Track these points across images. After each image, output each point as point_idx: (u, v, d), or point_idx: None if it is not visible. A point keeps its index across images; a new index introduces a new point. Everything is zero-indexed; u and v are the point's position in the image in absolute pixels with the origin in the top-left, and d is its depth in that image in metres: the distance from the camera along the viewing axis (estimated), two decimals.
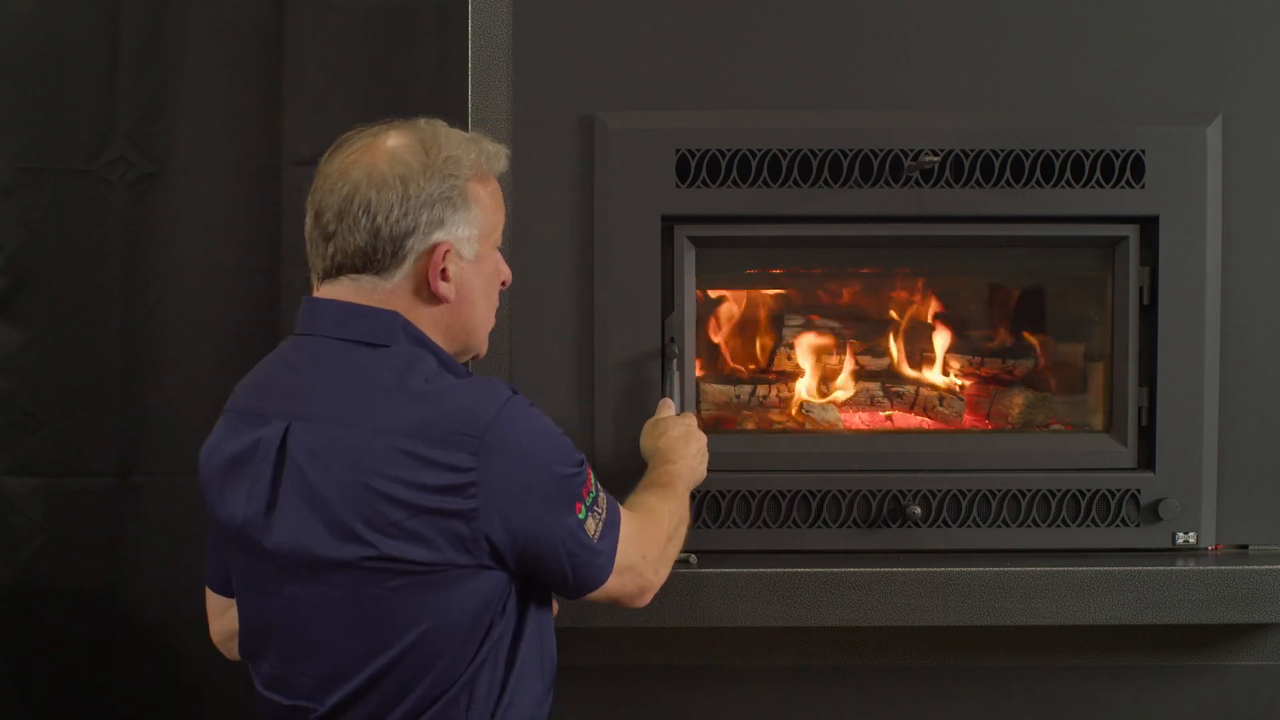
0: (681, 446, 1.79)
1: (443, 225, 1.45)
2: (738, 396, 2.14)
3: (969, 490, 2.00)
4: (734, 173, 1.96)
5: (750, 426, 2.15)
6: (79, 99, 2.34)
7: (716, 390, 2.13)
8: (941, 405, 2.18)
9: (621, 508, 1.55)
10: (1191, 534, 2.01)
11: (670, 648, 2.01)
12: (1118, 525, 2.01)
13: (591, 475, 1.48)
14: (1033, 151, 1.97)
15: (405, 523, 1.36)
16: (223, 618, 1.63)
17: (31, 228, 2.35)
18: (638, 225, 1.97)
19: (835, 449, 2.06)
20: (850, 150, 1.96)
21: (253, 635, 1.49)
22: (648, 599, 1.58)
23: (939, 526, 2.00)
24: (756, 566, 1.93)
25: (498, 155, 1.53)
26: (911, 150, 1.96)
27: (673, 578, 1.89)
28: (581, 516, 1.44)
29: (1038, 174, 1.97)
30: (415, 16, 2.35)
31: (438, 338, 1.48)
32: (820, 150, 1.96)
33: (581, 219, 1.98)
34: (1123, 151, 1.97)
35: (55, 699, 2.40)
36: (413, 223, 1.43)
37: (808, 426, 2.13)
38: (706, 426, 2.12)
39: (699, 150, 1.96)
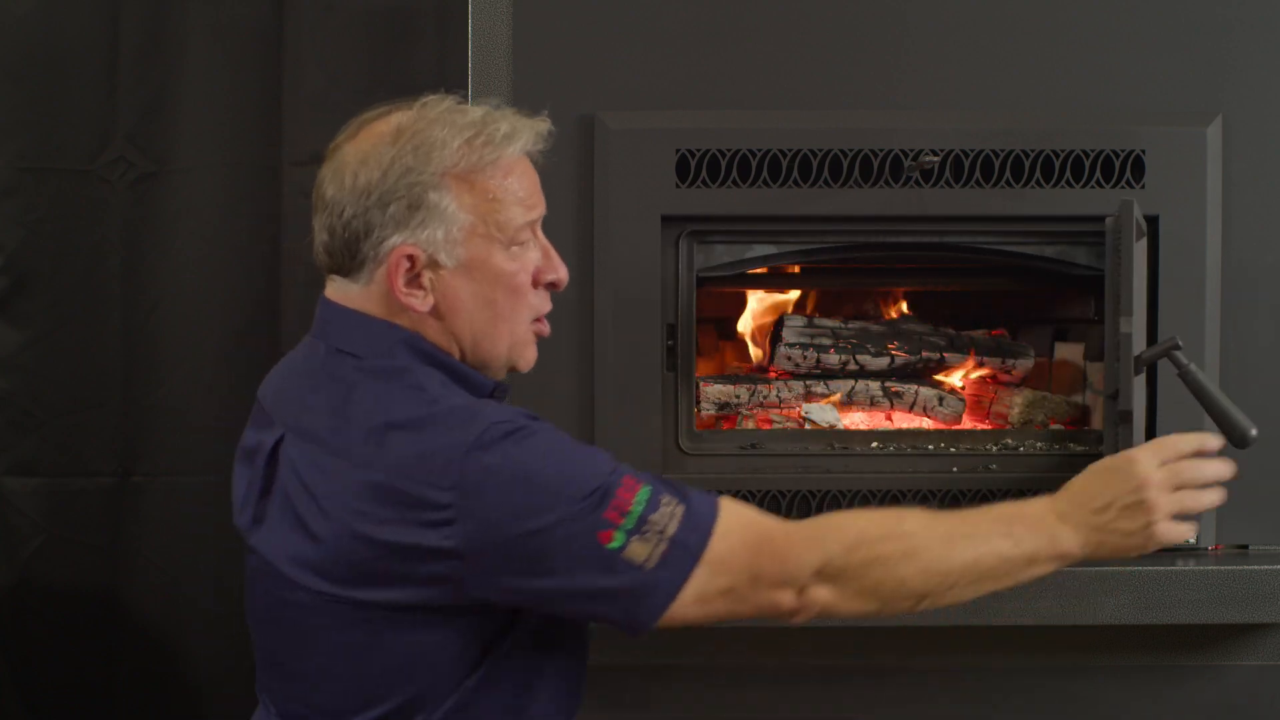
0: (1098, 483, 1.33)
1: (401, 228, 1.25)
2: (737, 396, 2.14)
3: (969, 490, 2.00)
4: (734, 173, 1.96)
5: (750, 426, 2.15)
6: (79, 99, 2.34)
7: (716, 390, 2.13)
8: (941, 405, 2.18)
9: (738, 510, 1.26)
10: (1191, 534, 2.01)
11: (670, 648, 2.01)
12: None
13: (637, 490, 1.21)
14: (1033, 151, 1.97)
15: (378, 564, 1.20)
16: None
17: (31, 228, 2.35)
18: (638, 225, 1.97)
19: (835, 448, 2.06)
20: (850, 150, 1.96)
21: (255, 637, 1.38)
22: (799, 617, 1.28)
23: None
24: None
25: (511, 136, 1.31)
26: (911, 150, 1.96)
27: None
28: (615, 545, 1.19)
29: (1038, 174, 1.97)
30: (415, 16, 2.35)
31: (451, 349, 1.31)
32: (820, 150, 1.96)
33: (581, 219, 1.98)
34: (1123, 151, 1.97)
35: (55, 699, 2.40)
36: (362, 224, 1.25)
37: (807, 426, 2.13)
38: (706, 426, 2.13)
39: (699, 150, 1.95)
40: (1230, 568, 1.93)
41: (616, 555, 1.18)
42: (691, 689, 2.04)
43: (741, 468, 2.02)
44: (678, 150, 1.95)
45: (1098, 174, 1.97)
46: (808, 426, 2.13)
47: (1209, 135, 1.98)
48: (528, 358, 1.38)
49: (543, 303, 1.38)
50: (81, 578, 2.39)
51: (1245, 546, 2.03)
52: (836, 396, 2.18)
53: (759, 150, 1.96)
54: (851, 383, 2.18)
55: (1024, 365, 2.23)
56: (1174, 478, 1.32)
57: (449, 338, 1.31)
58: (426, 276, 1.28)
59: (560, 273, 1.38)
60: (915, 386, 2.19)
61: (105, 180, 2.35)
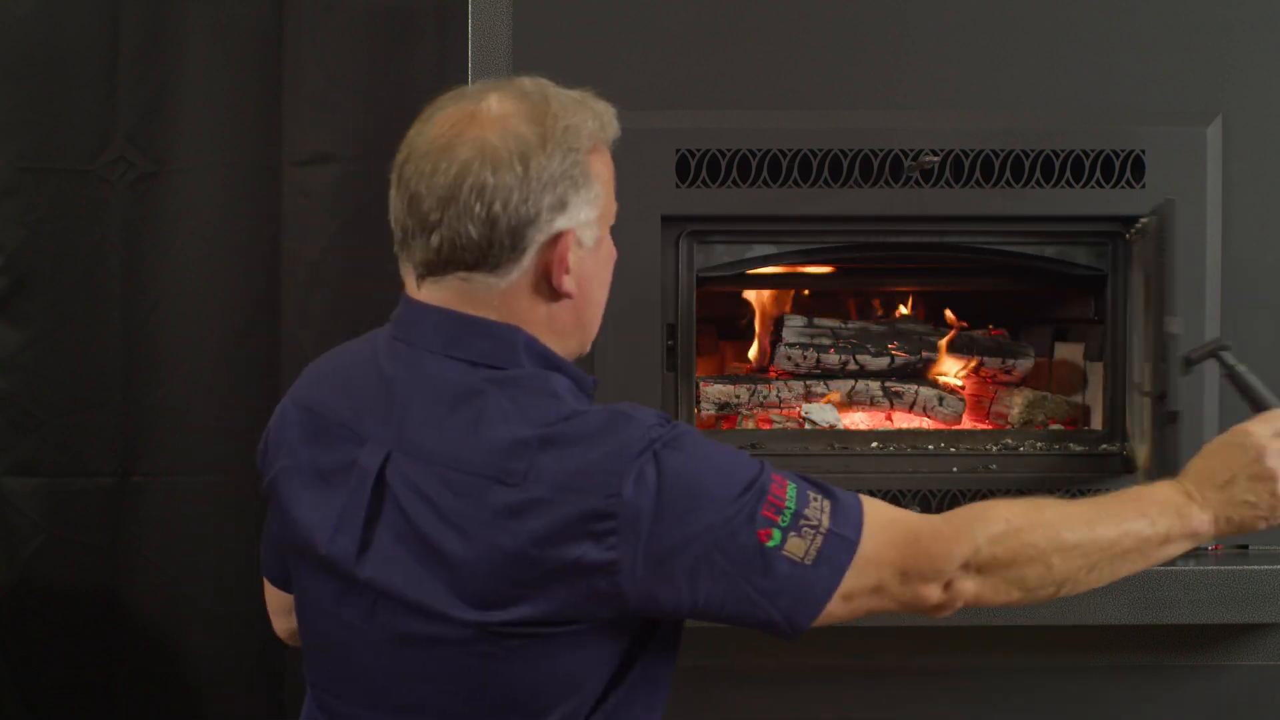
0: (1219, 461, 1.32)
1: (565, 209, 1.21)
2: (737, 396, 2.14)
3: (969, 490, 2.00)
4: (734, 173, 1.96)
5: (750, 426, 2.15)
6: (79, 99, 2.34)
7: (716, 390, 2.13)
8: (941, 405, 2.18)
9: (880, 507, 1.25)
10: None
11: None
12: None
13: (787, 485, 1.19)
14: (1033, 151, 1.97)
15: (533, 583, 1.14)
16: (289, 615, 1.41)
17: (31, 228, 2.35)
18: (638, 225, 1.97)
19: (835, 448, 2.06)
20: (850, 150, 1.96)
21: (327, 670, 1.29)
22: (945, 611, 1.26)
23: None
24: None
25: (610, 120, 1.29)
26: (911, 150, 1.96)
27: None
28: (774, 543, 1.16)
29: (1038, 174, 1.97)
30: (415, 16, 2.35)
31: (554, 342, 1.26)
32: (820, 150, 1.96)
33: None
34: (1123, 151, 1.97)
35: (55, 699, 2.40)
36: (534, 209, 1.19)
37: (807, 426, 2.13)
38: (706, 426, 2.13)
39: (699, 150, 1.95)
40: (1230, 568, 1.93)
41: (777, 553, 1.16)
42: (692, 689, 2.04)
43: None
44: (678, 150, 1.95)
45: (1098, 174, 1.97)
46: (808, 426, 2.13)
47: (1209, 135, 1.98)
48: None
49: None
50: (81, 578, 2.39)
51: (1245, 546, 2.03)
52: (836, 395, 2.18)
53: (759, 150, 1.96)
54: (851, 383, 2.18)
55: (1024, 365, 2.23)
56: None
57: (553, 329, 1.26)
58: (572, 258, 1.24)
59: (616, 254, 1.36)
60: (915, 386, 2.19)
61: (105, 180, 2.35)
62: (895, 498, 1.99)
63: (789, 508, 1.17)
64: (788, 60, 1.99)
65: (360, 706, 1.26)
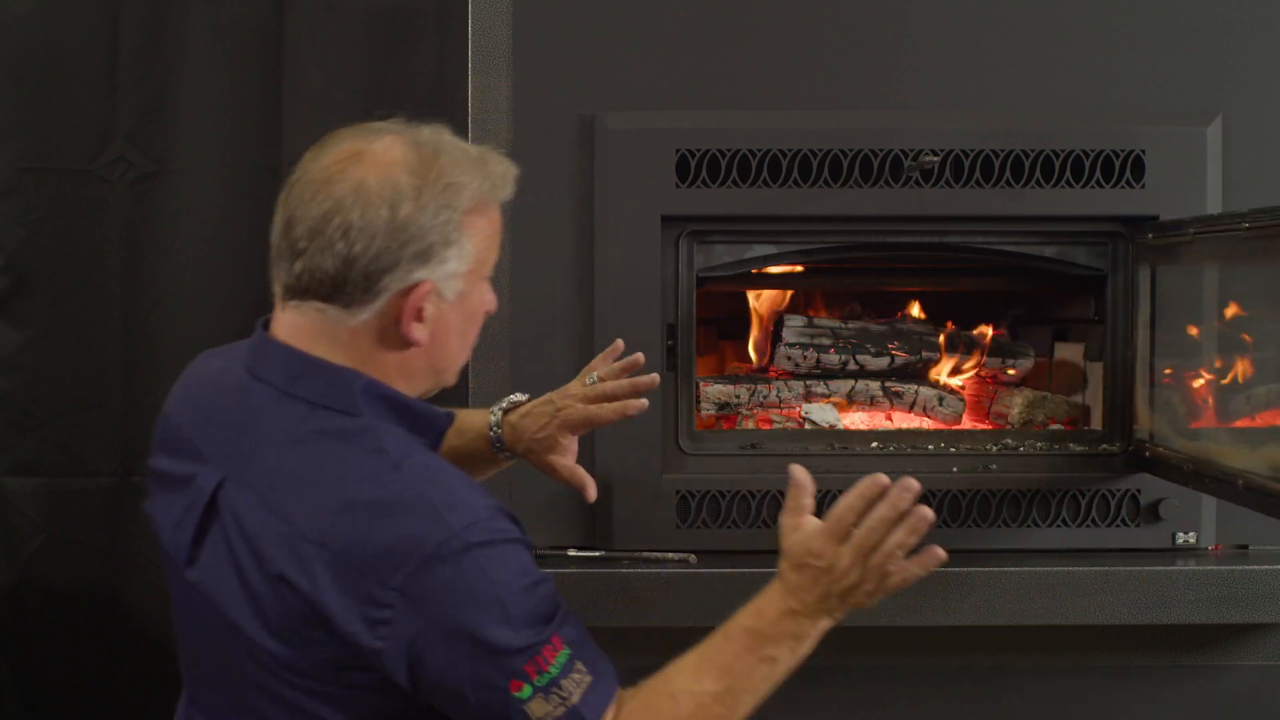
0: (805, 580, 1.32)
1: (428, 262, 1.25)
2: (738, 396, 2.14)
3: (969, 490, 2.00)
4: (734, 173, 1.96)
5: (750, 426, 2.15)
6: (79, 99, 2.34)
7: (716, 390, 2.13)
8: (941, 405, 2.18)
9: (626, 695, 1.28)
10: (1191, 534, 2.01)
11: (670, 648, 2.00)
12: (1118, 525, 2.01)
13: (560, 651, 1.22)
14: (1033, 151, 1.97)
15: (305, 627, 1.21)
16: None
17: (31, 228, 2.35)
18: (638, 225, 1.97)
19: (835, 448, 2.06)
20: (850, 150, 1.96)
21: (187, 660, 1.38)
22: None
23: (939, 526, 1.99)
24: (756, 567, 1.92)
25: (505, 180, 1.33)
26: (911, 150, 1.96)
27: (673, 578, 1.90)
28: (522, 696, 1.20)
29: (1038, 174, 1.97)
30: (415, 16, 2.35)
31: (404, 383, 1.31)
32: (820, 150, 1.96)
33: (581, 219, 1.98)
34: (1123, 151, 1.97)
35: (55, 699, 2.40)
36: (394, 258, 1.24)
37: (807, 426, 2.13)
38: (706, 426, 2.13)
39: (699, 150, 1.95)
40: (1230, 568, 1.93)
41: (519, 704, 1.20)
42: None
43: (741, 468, 2.02)
44: (678, 150, 1.96)
45: (1098, 174, 1.97)
46: (808, 426, 2.13)
47: (1209, 135, 1.98)
48: (456, 376, 1.41)
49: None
50: (81, 578, 2.39)
51: (1245, 546, 2.03)
52: (843, 403, 2.18)
53: (759, 150, 1.96)
54: (851, 383, 2.18)
55: (1024, 365, 2.23)
56: (863, 555, 1.29)
57: (400, 371, 1.31)
58: (428, 309, 1.29)
59: (496, 303, 1.41)
60: (915, 386, 2.19)
61: (105, 180, 2.35)
62: None
63: (550, 672, 1.21)
64: (788, 60, 1.99)
65: (209, 694, 1.34)
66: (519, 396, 1.71)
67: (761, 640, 1.31)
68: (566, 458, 1.67)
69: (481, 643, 1.19)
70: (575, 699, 1.22)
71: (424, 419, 1.32)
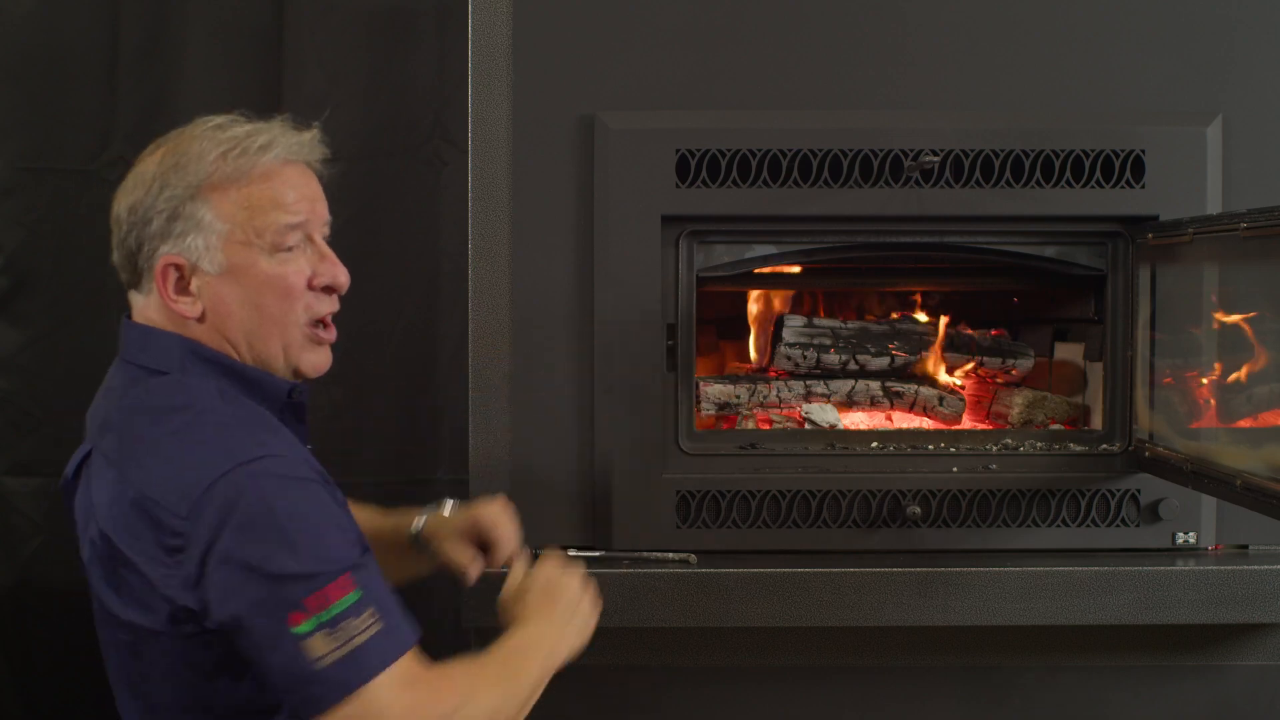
0: (546, 605, 1.46)
1: (168, 239, 1.33)
2: (738, 396, 2.14)
3: (969, 490, 2.00)
4: (734, 173, 1.96)
5: (750, 426, 2.15)
6: (79, 99, 2.34)
7: (716, 390, 2.13)
8: (941, 405, 2.18)
9: (421, 663, 1.26)
10: (1191, 534, 2.01)
11: (670, 648, 2.01)
12: (1118, 525, 2.01)
13: (349, 590, 1.21)
14: (1033, 151, 1.97)
15: (132, 581, 1.27)
16: None
17: (31, 228, 2.35)
18: (638, 225, 1.97)
19: (835, 448, 2.06)
20: (850, 150, 1.96)
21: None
22: None
23: (939, 526, 2.00)
24: (756, 566, 1.93)
25: (268, 146, 1.35)
26: (911, 150, 1.96)
27: (673, 578, 1.91)
28: (301, 630, 1.19)
29: (1038, 174, 1.97)
30: (415, 16, 2.35)
31: (232, 353, 1.36)
32: (820, 150, 1.96)
33: (581, 219, 1.98)
34: (1123, 151, 1.97)
35: (55, 699, 2.40)
36: (135, 240, 1.34)
37: (807, 426, 2.13)
38: (706, 426, 2.13)
39: (699, 150, 1.96)
40: (1230, 568, 1.93)
41: (296, 640, 1.19)
42: (693, 689, 2.04)
43: (741, 468, 2.02)
44: (678, 150, 1.96)
45: (1098, 174, 1.97)
46: (808, 426, 2.13)
47: (1209, 135, 1.98)
48: (310, 361, 1.40)
49: (321, 305, 1.40)
50: (81, 578, 2.37)
51: (1245, 546, 2.03)
52: (846, 391, 2.18)
53: (759, 150, 1.96)
54: (851, 383, 2.18)
55: (1024, 365, 2.23)
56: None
57: (225, 342, 1.36)
58: (194, 283, 1.34)
59: (338, 276, 1.40)
60: (915, 386, 2.19)
61: (105, 180, 2.35)
62: (896, 497, 1.99)
63: (333, 610, 1.20)
64: (788, 60, 1.99)
65: (125, 701, 1.42)
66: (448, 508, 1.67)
67: (524, 656, 1.42)
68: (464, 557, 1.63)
69: (257, 568, 1.20)
70: (360, 641, 1.20)
71: (260, 384, 1.36)
